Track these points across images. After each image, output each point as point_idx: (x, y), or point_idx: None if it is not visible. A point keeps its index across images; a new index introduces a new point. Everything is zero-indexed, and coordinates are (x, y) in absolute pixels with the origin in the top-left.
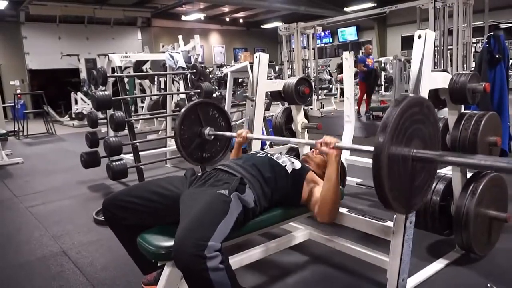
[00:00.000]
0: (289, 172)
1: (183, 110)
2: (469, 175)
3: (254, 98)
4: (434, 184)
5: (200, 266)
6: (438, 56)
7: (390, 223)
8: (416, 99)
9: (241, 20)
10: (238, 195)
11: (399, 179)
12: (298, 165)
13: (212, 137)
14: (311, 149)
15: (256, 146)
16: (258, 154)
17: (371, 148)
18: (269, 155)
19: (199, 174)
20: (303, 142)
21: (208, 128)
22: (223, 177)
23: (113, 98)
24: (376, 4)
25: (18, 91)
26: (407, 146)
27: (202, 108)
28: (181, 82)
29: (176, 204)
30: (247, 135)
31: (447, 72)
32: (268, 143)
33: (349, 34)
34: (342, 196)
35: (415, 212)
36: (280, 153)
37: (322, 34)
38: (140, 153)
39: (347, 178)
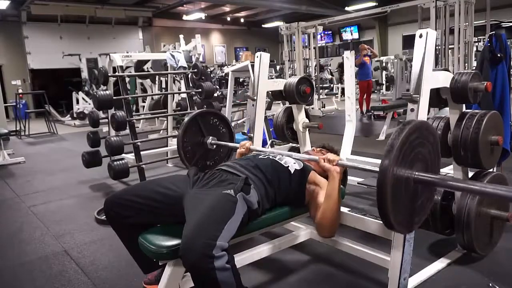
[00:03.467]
0: (292, 172)
1: (184, 122)
2: (470, 174)
3: (255, 98)
4: None
5: (207, 266)
6: (440, 55)
7: None
8: (418, 124)
9: (242, 20)
10: (244, 195)
11: (402, 200)
12: (300, 165)
13: (214, 146)
14: (311, 147)
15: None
16: (260, 156)
17: (376, 168)
18: (271, 156)
19: (202, 173)
20: (306, 157)
21: (211, 137)
22: (228, 178)
23: (114, 97)
24: (377, 3)
25: (20, 91)
26: (409, 168)
27: (203, 118)
28: (182, 81)
29: (179, 204)
30: (250, 146)
31: (449, 71)
32: (269, 142)
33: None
34: (343, 196)
35: None
36: (281, 154)
37: (325, 37)
38: (141, 152)
39: (348, 177)
